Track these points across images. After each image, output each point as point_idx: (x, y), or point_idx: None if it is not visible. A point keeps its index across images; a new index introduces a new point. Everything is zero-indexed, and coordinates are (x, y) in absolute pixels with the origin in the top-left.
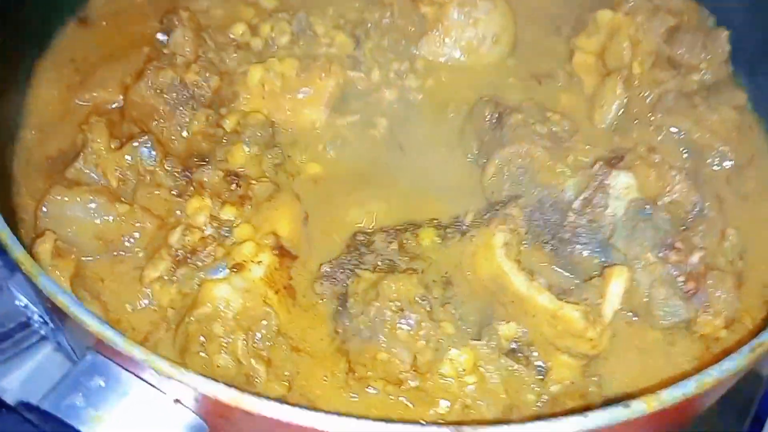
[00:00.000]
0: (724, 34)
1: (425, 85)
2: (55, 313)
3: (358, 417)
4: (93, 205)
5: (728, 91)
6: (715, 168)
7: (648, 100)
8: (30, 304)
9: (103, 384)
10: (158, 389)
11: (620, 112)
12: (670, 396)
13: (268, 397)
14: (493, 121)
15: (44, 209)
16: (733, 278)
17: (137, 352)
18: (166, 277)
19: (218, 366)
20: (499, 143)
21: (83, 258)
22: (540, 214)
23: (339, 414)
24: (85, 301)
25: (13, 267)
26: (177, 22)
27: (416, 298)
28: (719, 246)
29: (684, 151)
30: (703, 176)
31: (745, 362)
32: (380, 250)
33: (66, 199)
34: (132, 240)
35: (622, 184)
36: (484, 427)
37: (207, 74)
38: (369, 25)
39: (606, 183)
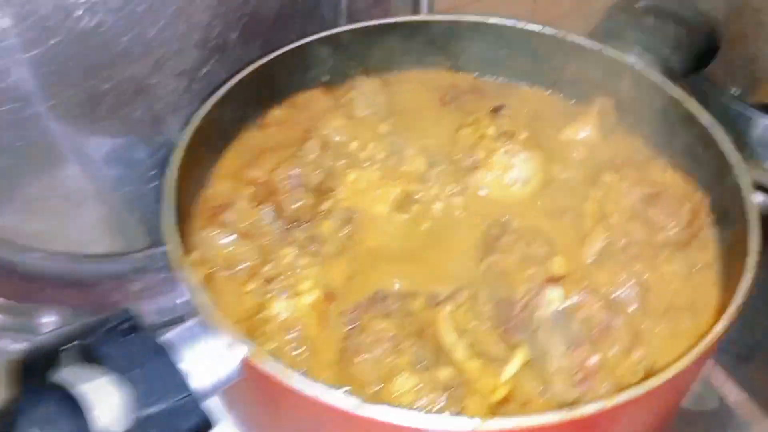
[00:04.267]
0: (687, 205)
1: (466, 205)
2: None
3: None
4: (227, 240)
5: (692, 251)
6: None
7: (621, 245)
8: None
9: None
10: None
11: (600, 252)
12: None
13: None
14: (496, 236)
15: (202, 236)
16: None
17: (217, 317)
18: (254, 290)
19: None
20: (493, 251)
21: (212, 269)
22: (498, 306)
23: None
24: None
25: None
26: (312, 136)
27: (389, 336)
28: (624, 358)
29: (636, 285)
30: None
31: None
32: (389, 305)
33: (215, 233)
34: (241, 266)
35: (553, 296)
36: None
37: (317, 171)
38: (440, 157)
39: (543, 292)
